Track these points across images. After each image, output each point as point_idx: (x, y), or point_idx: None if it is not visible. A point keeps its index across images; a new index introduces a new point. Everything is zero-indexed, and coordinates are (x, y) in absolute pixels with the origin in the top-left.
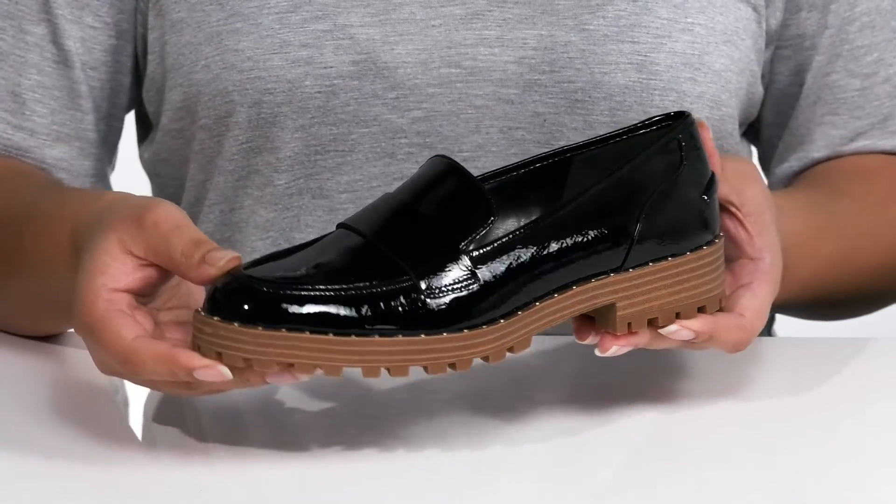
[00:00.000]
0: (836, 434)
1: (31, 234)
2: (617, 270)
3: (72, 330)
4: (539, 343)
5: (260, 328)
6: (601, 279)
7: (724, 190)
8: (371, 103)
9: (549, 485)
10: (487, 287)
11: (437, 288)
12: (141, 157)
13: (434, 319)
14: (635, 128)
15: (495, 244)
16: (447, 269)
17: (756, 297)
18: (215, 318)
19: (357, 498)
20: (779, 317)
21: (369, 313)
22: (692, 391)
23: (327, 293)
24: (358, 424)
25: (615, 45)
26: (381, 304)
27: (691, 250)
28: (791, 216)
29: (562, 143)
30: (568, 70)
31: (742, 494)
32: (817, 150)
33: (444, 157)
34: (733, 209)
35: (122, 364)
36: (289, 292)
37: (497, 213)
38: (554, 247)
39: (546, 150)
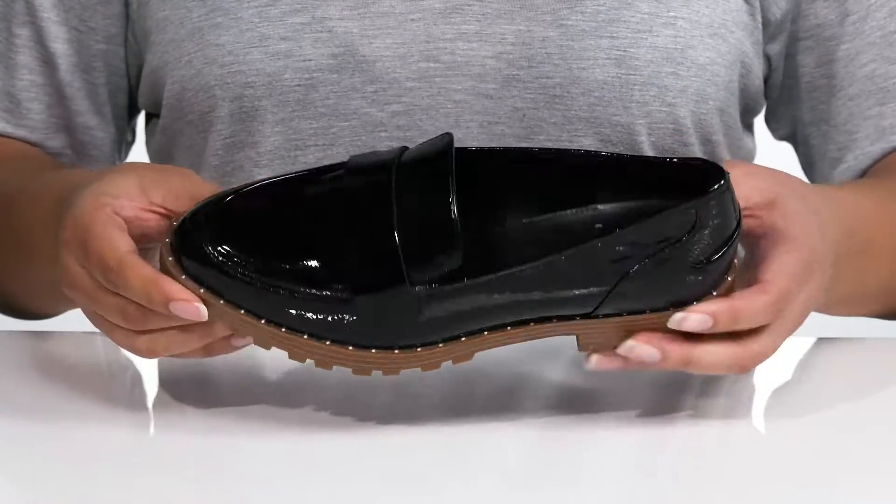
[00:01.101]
0: (835, 435)
1: (22, 202)
2: (585, 317)
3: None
4: (529, 348)
5: (202, 290)
6: (564, 322)
7: None
8: (350, 97)
9: (530, 491)
10: (430, 321)
11: (375, 311)
12: (147, 151)
13: (365, 338)
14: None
15: (452, 286)
16: (391, 298)
17: (773, 261)
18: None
19: (338, 494)
20: None
21: (302, 315)
22: (688, 391)
23: (266, 285)
24: (341, 423)
25: (593, 40)
26: (315, 310)
27: (674, 305)
28: (862, 200)
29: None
30: (546, 65)
31: (737, 495)
32: (871, 143)
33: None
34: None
35: (104, 273)
36: (238, 275)
37: (464, 259)
38: (515, 296)
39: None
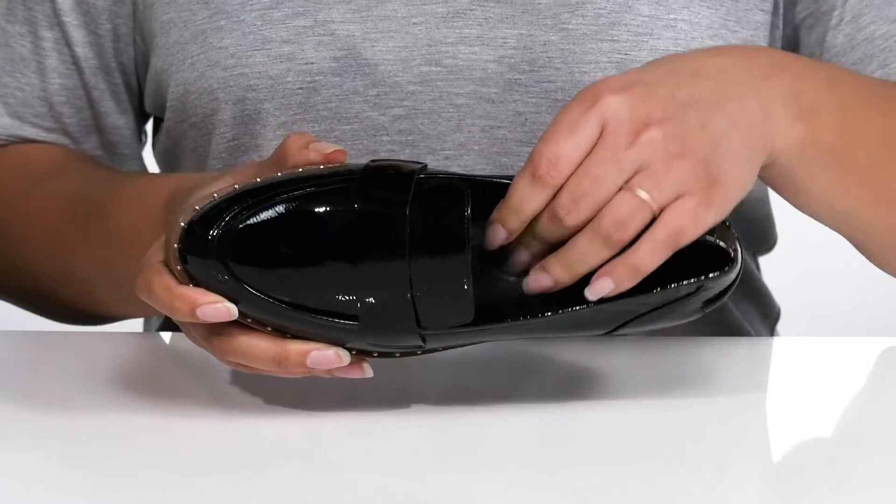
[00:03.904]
0: (836, 434)
1: (117, 204)
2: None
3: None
4: (531, 342)
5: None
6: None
7: None
8: (352, 100)
9: (533, 481)
10: (433, 348)
11: (380, 340)
12: (154, 153)
13: (369, 349)
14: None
15: (459, 330)
16: (398, 335)
17: None
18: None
19: (342, 489)
20: (781, 315)
21: (306, 331)
22: (689, 391)
23: (275, 303)
24: (345, 415)
25: (594, 43)
26: (320, 329)
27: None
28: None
29: None
30: (547, 69)
31: (737, 495)
32: None
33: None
34: None
35: (142, 264)
36: (249, 290)
37: (474, 316)
38: (519, 335)
39: None
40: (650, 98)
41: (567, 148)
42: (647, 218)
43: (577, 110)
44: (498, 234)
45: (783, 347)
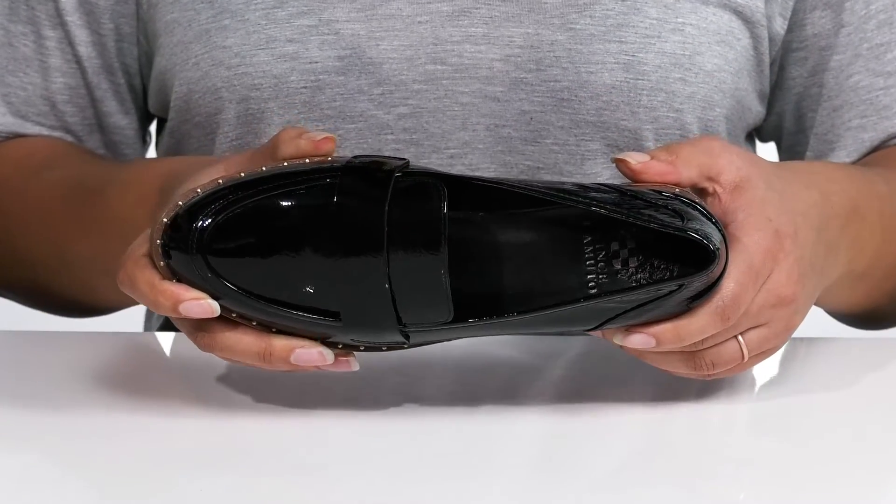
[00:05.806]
0: (836, 434)
1: (112, 191)
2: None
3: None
4: (531, 344)
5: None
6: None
7: (692, 174)
8: (357, 99)
9: (535, 485)
10: (417, 343)
11: (364, 335)
12: (157, 154)
13: (355, 344)
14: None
15: (440, 327)
16: (381, 329)
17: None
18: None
19: (342, 491)
20: None
21: (291, 327)
22: (693, 393)
23: (261, 302)
24: (345, 418)
25: (602, 44)
26: (304, 325)
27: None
28: (834, 168)
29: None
30: (554, 69)
31: (739, 497)
32: (848, 155)
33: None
34: (711, 186)
35: (124, 258)
36: (230, 287)
37: (454, 315)
38: (503, 331)
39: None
40: (798, 268)
41: (748, 298)
42: (734, 363)
43: (763, 260)
44: (647, 343)
45: (783, 347)
